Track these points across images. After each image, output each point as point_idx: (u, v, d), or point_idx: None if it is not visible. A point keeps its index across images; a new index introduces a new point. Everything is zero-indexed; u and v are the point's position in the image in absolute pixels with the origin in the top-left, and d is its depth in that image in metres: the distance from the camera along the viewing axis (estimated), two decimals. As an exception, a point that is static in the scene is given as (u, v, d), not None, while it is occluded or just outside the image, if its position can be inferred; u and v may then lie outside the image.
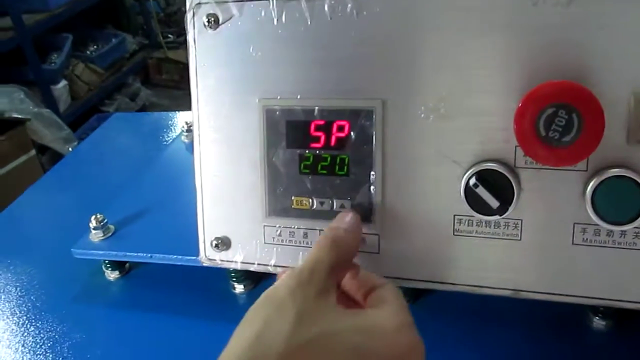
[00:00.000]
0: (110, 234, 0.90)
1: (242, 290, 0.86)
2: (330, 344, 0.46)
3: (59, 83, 3.64)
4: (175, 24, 5.02)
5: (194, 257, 0.79)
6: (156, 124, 1.44)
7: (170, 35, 4.90)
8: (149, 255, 0.85)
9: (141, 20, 4.85)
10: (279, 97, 0.63)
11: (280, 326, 0.46)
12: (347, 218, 0.60)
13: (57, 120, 3.07)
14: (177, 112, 1.49)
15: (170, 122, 1.43)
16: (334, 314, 0.49)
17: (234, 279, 0.86)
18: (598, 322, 0.73)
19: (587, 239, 0.57)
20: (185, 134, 1.20)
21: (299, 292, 0.49)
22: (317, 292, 0.50)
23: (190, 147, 1.18)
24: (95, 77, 3.92)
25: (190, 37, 0.65)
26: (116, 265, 0.93)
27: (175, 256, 0.83)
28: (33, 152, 2.89)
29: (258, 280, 0.86)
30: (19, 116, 2.82)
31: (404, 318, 0.50)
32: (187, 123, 1.21)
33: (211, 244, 0.68)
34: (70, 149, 2.95)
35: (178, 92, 4.49)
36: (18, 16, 3.31)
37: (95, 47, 4.07)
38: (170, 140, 1.29)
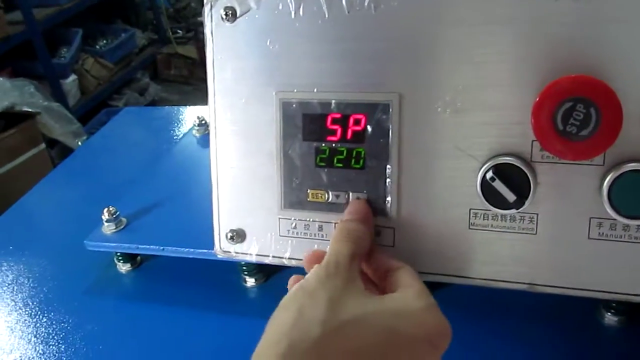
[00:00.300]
0: (122, 227, 0.91)
1: (254, 283, 0.87)
2: (362, 328, 0.48)
3: (69, 77, 3.66)
4: (184, 19, 5.03)
5: (206, 250, 0.79)
6: (167, 118, 1.45)
7: (179, 31, 4.91)
8: (161, 247, 0.85)
9: (150, 16, 4.86)
10: (295, 90, 0.63)
11: (314, 312, 0.49)
12: (357, 209, 0.62)
13: (67, 114, 3.08)
14: (187, 106, 1.49)
15: (181, 116, 1.44)
16: (363, 299, 0.51)
17: (246, 273, 0.87)
18: (610, 318, 0.73)
19: (603, 234, 0.57)
20: (197, 128, 1.21)
21: (328, 282, 0.52)
22: (344, 281, 0.52)
23: (201, 141, 1.18)
24: (104, 72, 3.93)
25: (207, 30, 0.65)
26: (128, 257, 0.93)
27: (187, 249, 0.83)
28: (43, 145, 2.90)
29: (269, 275, 0.87)
30: (29, 110, 2.83)
31: (429, 299, 0.52)
32: (198, 117, 1.21)
33: (226, 236, 0.69)
34: (79, 143, 2.95)
35: (187, 88, 4.50)
36: (28, 10, 3.33)
37: (104, 41, 4.08)
38: (181, 135, 1.29)
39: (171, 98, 4.35)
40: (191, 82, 4.54)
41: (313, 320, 0.48)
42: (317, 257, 0.58)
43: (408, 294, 0.53)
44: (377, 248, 0.61)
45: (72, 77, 3.69)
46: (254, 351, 0.48)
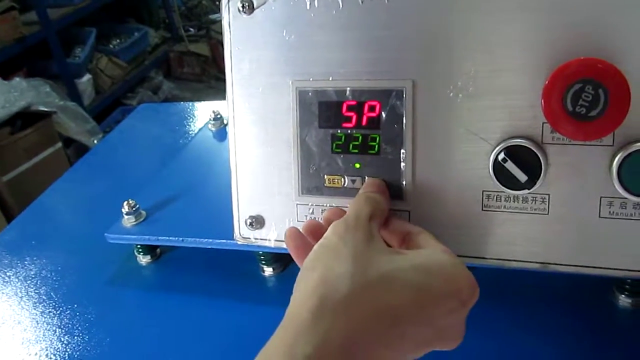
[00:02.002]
0: (142, 219, 0.92)
1: (271, 273, 0.88)
2: (391, 285, 0.48)
3: (83, 77, 3.68)
4: (197, 17, 5.03)
5: (225, 240, 0.80)
6: (182, 113, 1.46)
7: (191, 29, 4.91)
8: (181, 238, 0.86)
9: (163, 14, 4.87)
10: (311, 79, 0.64)
11: (340, 268, 0.48)
12: (373, 183, 0.63)
13: (82, 113, 3.10)
14: (203, 101, 1.50)
15: (196, 112, 1.45)
16: (388, 255, 0.51)
17: (263, 262, 0.88)
18: (624, 300, 0.74)
19: (613, 212, 0.58)
20: (212, 122, 1.22)
21: (349, 236, 0.52)
22: (364, 235, 0.52)
23: (217, 135, 1.20)
24: (118, 71, 3.95)
25: (225, 22, 0.66)
26: (148, 249, 0.95)
27: (206, 239, 0.84)
28: (59, 144, 2.92)
29: (287, 264, 0.88)
30: (46, 109, 2.85)
31: (456, 257, 0.52)
32: (214, 112, 1.22)
33: (246, 223, 0.70)
34: (95, 142, 2.98)
35: (199, 85, 4.51)
36: (43, 10, 3.35)
37: (118, 41, 4.09)
38: (197, 130, 1.30)
39: (184, 96, 4.36)
40: (203, 80, 4.55)
41: (340, 276, 0.47)
42: (337, 214, 0.59)
43: (436, 251, 0.53)
44: (394, 215, 0.62)
45: (87, 76, 3.72)
46: (286, 312, 0.48)
